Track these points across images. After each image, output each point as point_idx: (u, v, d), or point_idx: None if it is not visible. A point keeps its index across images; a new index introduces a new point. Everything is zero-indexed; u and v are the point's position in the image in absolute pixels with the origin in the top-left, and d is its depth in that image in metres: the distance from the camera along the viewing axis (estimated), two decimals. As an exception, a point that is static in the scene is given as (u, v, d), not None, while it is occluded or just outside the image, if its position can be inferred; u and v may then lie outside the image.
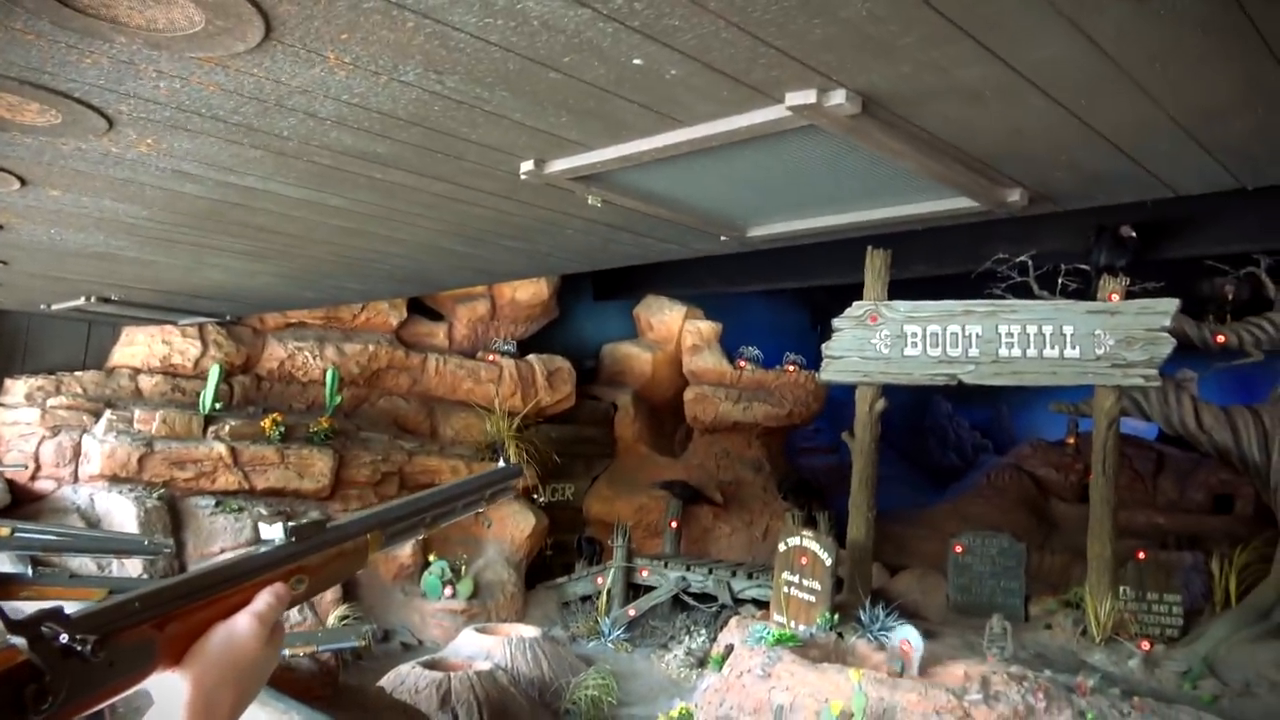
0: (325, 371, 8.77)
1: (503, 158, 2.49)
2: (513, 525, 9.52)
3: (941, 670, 6.23)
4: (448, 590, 8.49)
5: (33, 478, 7.29)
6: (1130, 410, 7.64)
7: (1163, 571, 7.73)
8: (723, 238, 3.23)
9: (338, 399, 8.73)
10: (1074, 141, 2.09)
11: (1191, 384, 8.06)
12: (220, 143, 2.44)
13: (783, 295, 12.16)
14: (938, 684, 6.03)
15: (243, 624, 0.77)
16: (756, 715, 6.30)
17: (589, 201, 2.79)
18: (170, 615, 0.73)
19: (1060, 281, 7.41)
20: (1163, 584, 7.47)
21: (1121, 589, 7.16)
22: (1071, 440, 11.06)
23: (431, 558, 8.68)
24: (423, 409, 9.64)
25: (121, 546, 4.30)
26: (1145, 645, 6.59)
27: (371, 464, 8.57)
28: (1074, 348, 7.09)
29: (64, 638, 0.65)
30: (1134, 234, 7.28)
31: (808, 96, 1.86)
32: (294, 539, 0.86)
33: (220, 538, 7.26)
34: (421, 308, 9.90)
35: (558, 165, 2.48)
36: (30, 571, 2.23)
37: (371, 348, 9.20)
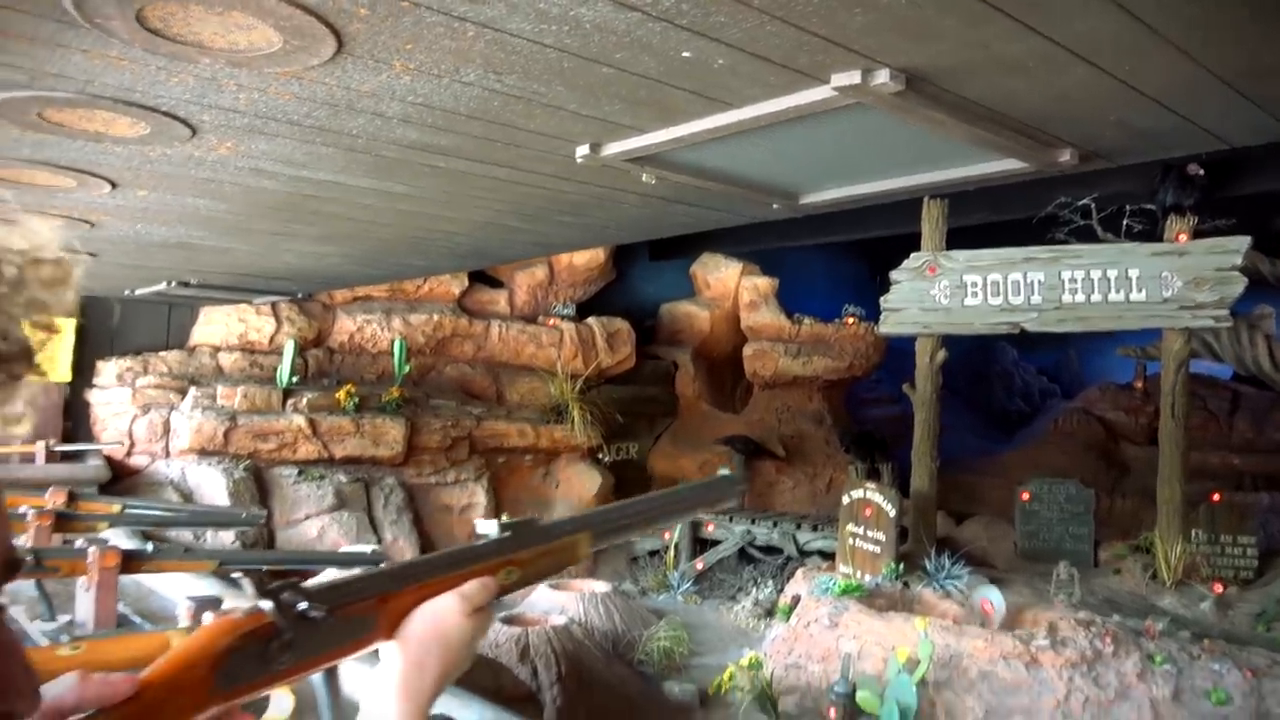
0: (393, 342, 9.05)
1: (559, 144, 2.59)
2: (579, 485, 9.76)
3: (1008, 616, 6.28)
4: (520, 549, 8.77)
5: (128, 454, 7.72)
6: (1200, 352, 7.49)
7: (1237, 513, 7.61)
8: (775, 205, 3.29)
9: (406, 368, 9.00)
10: (1121, 103, 2.11)
11: (1267, 322, 7.84)
12: (294, 143, 2.59)
13: (840, 247, 12.05)
14: (1004, 630, 6.09)
15: (448, 603, 0.86)
16: (824, 663, 6.45)
17: (643, 179, 2.87)
18: (389, 595, 0.83)
19: (1125, 223, 7.25)
20: (1237, 526, 7.36)
21: (1193, 532, 7.08)
22: (1140, 384, 10.86)
23: (504, 518, 8.94)
24: (488, 375, 9.89)
25: (221, 520, 4.59)
26: (1218, 588, 6.54)
27: (442, 430, 8.86)
28: (1140, 291, 6.94)
29: (301, 605, 0.76)
30: (1202, 171, 7.06)
31: (852, 78, 1.92)
32: (507, 535, 0.94)
33: (304, 505, 7.62)
34: (482, 276, 10.09)
35: (612, 148, 2.57)
36: (150, 547, 2.44)
37: (436, 317, 9.45)
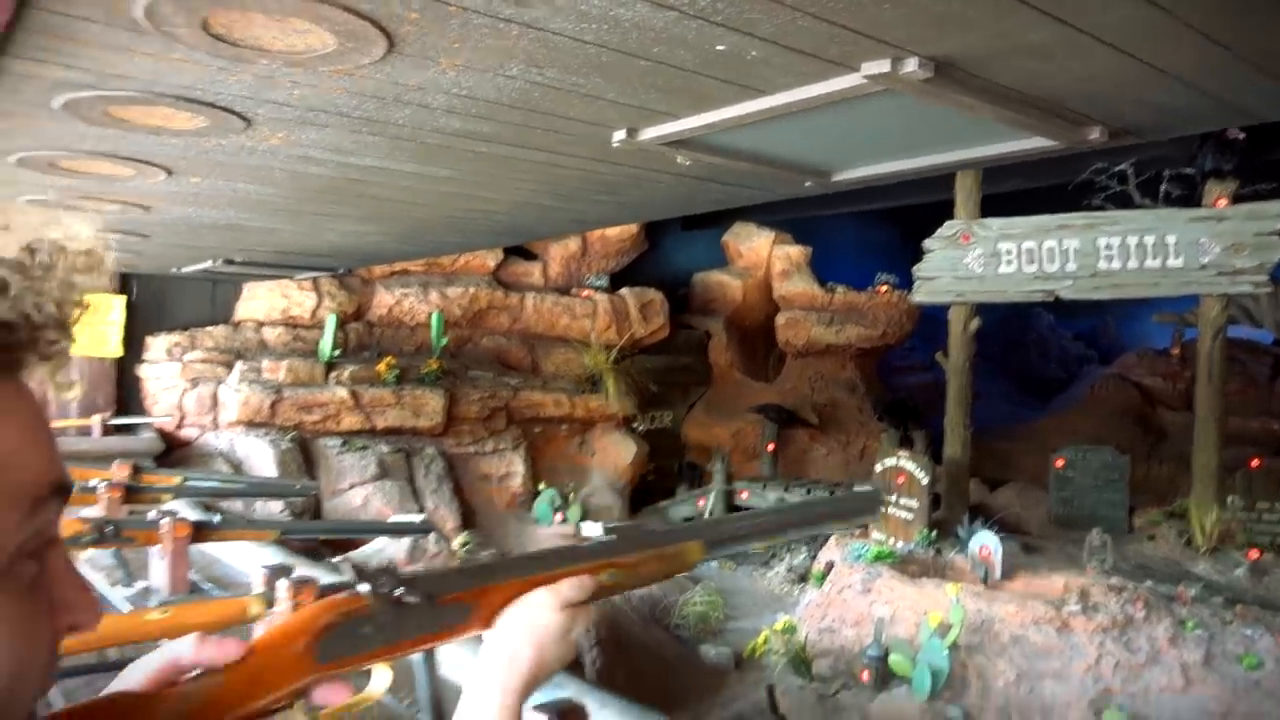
0: (430, 315, 9.22)
1: (596, 129, 2.67)
2: (615, 454, 9.92)
3: (1041, 583, 6.35)
4: (558, 516, 8.97)
5: (178, 426, 7.99)
6: (1239, 317, 7.44)
7: (1275, 479, 7.58)
8: (807, 184, 3.34)
9: (444, 340, 9.18)
10: (1148, 84, 2.14)
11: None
12: (343, 133, 2.69)
13: (872, 214, 12.00)
14: (1036, 596, 6.17)
15: (542, 598, 0.88)
16: (858, 628, 6.57)
17: (677, 161, 2.95)
18: (486, 589, 0.87)
19: (1163, 189, 7.18)
20: (1275, 492, 7.33)
21: (1230, 498, 7.08)
22: (1176, 350, 10.76)
23: (541, 486, 9.16)
24: (523, 346, 10.05)
25: (276, 490, 4.78)
26: (1253, 554, 6.55)
27: (480, 400, 9.05)
28: (1177, 257, 6.89)
29: (398, 591, 0.81)
30: (1242, 135, 6.96)
31: (882, 66, 1.98)
32: (611, 537, 0.98)
33: (349, 475, 7.85)
34: (517, 249, 10.22)
35: (648, 134, 2.65)
36: (217, 518, 2.60)
37: (472, 290, 9.60)
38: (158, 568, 2.53)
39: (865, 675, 6.00)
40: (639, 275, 11.04)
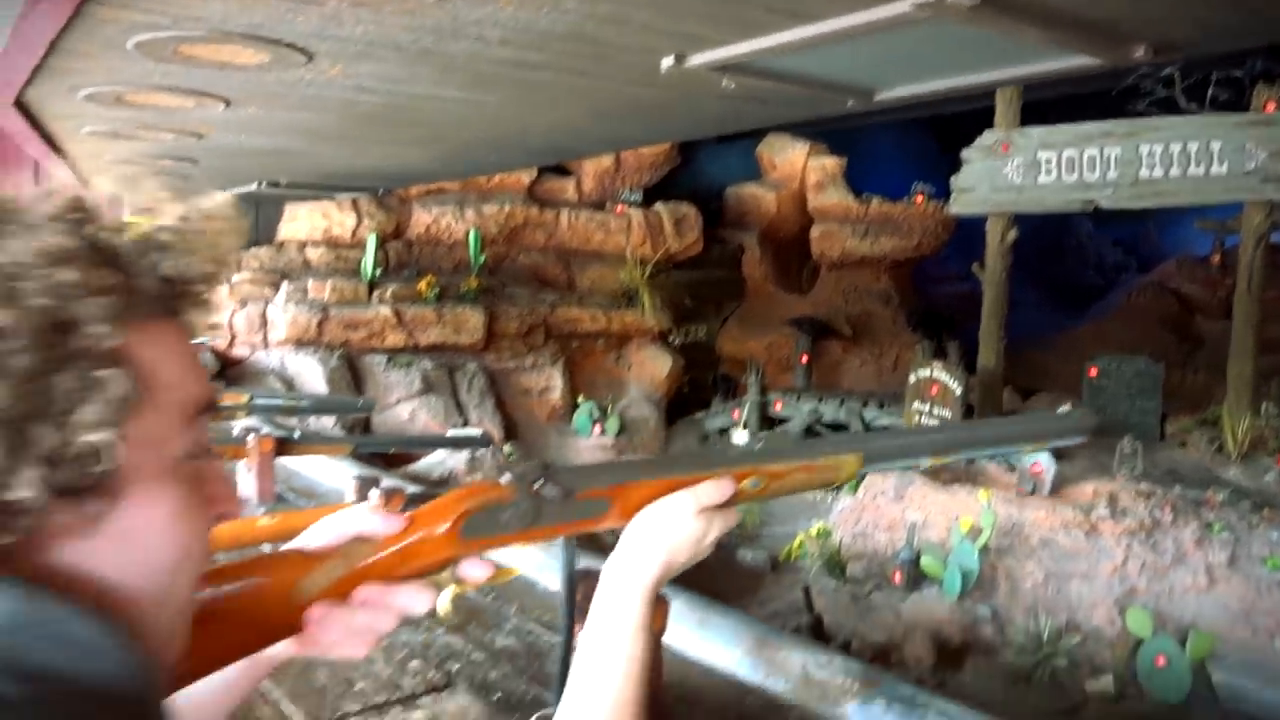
0: (468, 233, 9.34)
1: (646, 56, 2.73)
2: (652, 367, 10.11)
3: (1071, 489, 6.49)
4: (597, 429, 9.23)
5: (230, 345, 8.27)
6: (1283, 224, 7.33)
7: (1312, 387, 7.60)
8: (850, 103, 3.38)
9: (482, 258, 9.32)
10: (1195, 1, 2.17)
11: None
12: (398, 65, 2.78)
13: (909, 123, 11.78)
14: (1065, 501, 6.33)
15: (679, 497, 0.90)
16: (890, 532, 6.80)
17: (723, 84, 3.00)
18: (624, 486, 0.91)
19: (1210, 93, 7.02)
20: (1310, 400, 7.36)
21: (1264, 405, 7.11)
22: (1217, 258, 10.61)
23: (580, 400, 9.40)
24: (560, 262, 10.17)
25: (339, 407, 5.02)
26: (1283, 460, 6.63)
27: (519, 317, 9.24)
28: (1222, 164, 6.78)
29: (537, 484, 0.87)
30: (1296, 35, 6.74)
31: (930, -6, 2.03)
32: (759, 445, 1.10)
33: (395, 390, 8.12)
34: (551, 165, 10.22)
35: (696, 60, 2.70)
36: (296, 434, 2.79)
37: (508, 207, 9.68)
38: (245, 480, 2.74)
39: (897, 577, 6.24)
40: (672, 189, 11.01)
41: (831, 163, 11.20)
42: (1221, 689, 4.93)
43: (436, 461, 5.99)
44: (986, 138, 7.48)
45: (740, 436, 7.49)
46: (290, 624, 0.82)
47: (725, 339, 11.28)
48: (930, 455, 1.04)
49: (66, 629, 0.55)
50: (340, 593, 0.83)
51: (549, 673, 1.79)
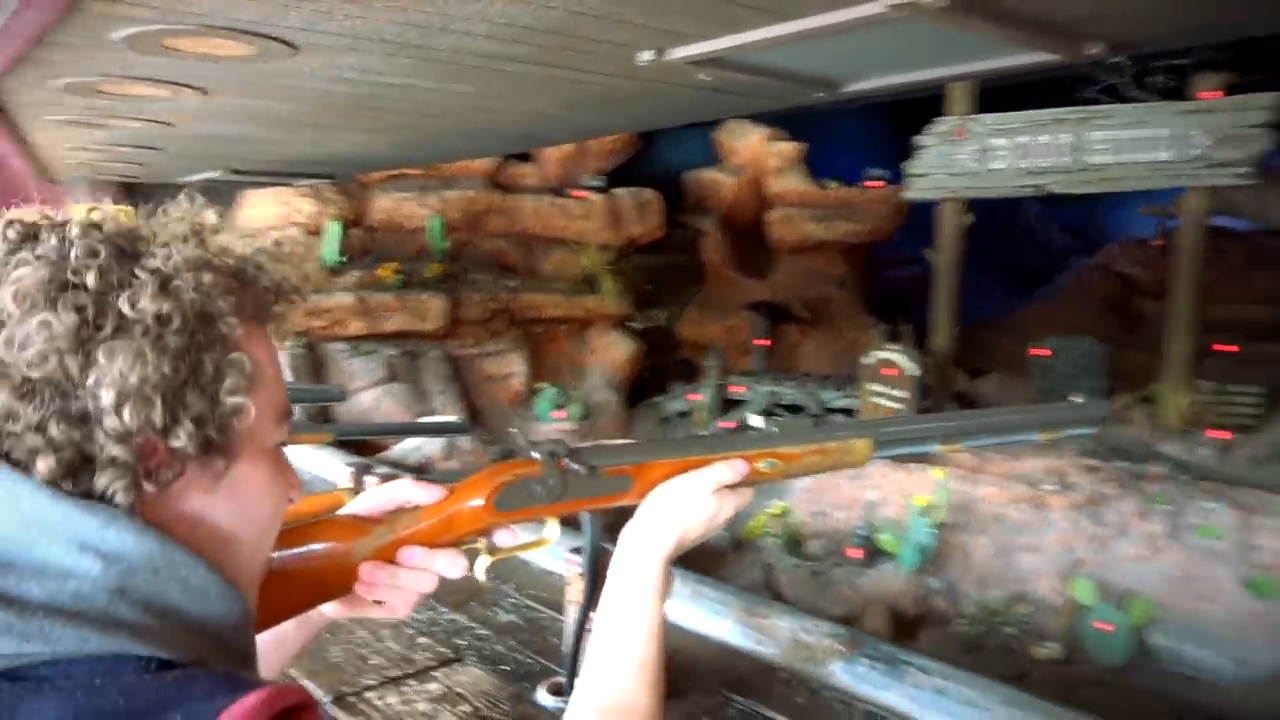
0: (429, 219, 9.31)
1: (625, 50, 2.80)
2: (612, 352, 10.20)
3: (1021, 465, 6.76)
4: (560, 413, 9.30)
5: (189, 334, 8.16)
6: (1223, 208, 7.64)
7: (1246, 364, 7.96)
8: (817, 94, 3.49)
9: (444, 244, 9.31)
10: (1153, 4, 2.31)
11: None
12: (380, 57, 2.82)
13: (864, 109, 11.97)
14: (1016, 477, 6.58)
15: (694, 476, 0.95)
16: (849, 510, 7.00)
17: (698, 77, 3.09)
18: (646, 464, 0.97)
19: (1161, 80, 7.26)
20: (1245, 375, 7.72)
21: (1202, 382, 7.44)
22: (1159, 241, 10.98)
23: (541, 385, 9.46)
24: (522, 248, 10.19)
25: (316, 395, 5.03)
26: (1220, 434, 6.96)
27: (481, 303, 9.25)
28: (1167, 150, 7.05)
29: (565, 460, 0.94)
30: (1234, 27, 7.01)
31: (904, -4, 2.13)
32: (774, 429, 1.15)
33: (359, 378, 8.10)
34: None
35: (674, 54, 2.78)
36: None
37: (470, 193, 9.66)
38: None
39: (855, 553, 6.44)
40: (632, 174, 11.08)
41: (790, 148, 11.36)
42: (1160, 651, 5.20)
43: (412, 448, 6.02)
44: (941, 124, 7.67)
45: (756, 420, 7.70)
46: (343, 583, 0.92)
47: (685, 323, 11.41)
48: (941, 441, 1.06)
49: (191, 575, 0.66)
50: (387, 556, 0.93)
51: (552, 644, 1.88)
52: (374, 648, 1.87)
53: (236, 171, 6.39)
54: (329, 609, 0.95)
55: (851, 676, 1.65)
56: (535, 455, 0.95)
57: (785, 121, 11.43)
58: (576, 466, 0.95)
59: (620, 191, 10.64)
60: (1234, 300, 11.15)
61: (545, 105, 3.83)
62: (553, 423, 9.35)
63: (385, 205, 9.27)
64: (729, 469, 0.96)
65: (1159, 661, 5.13)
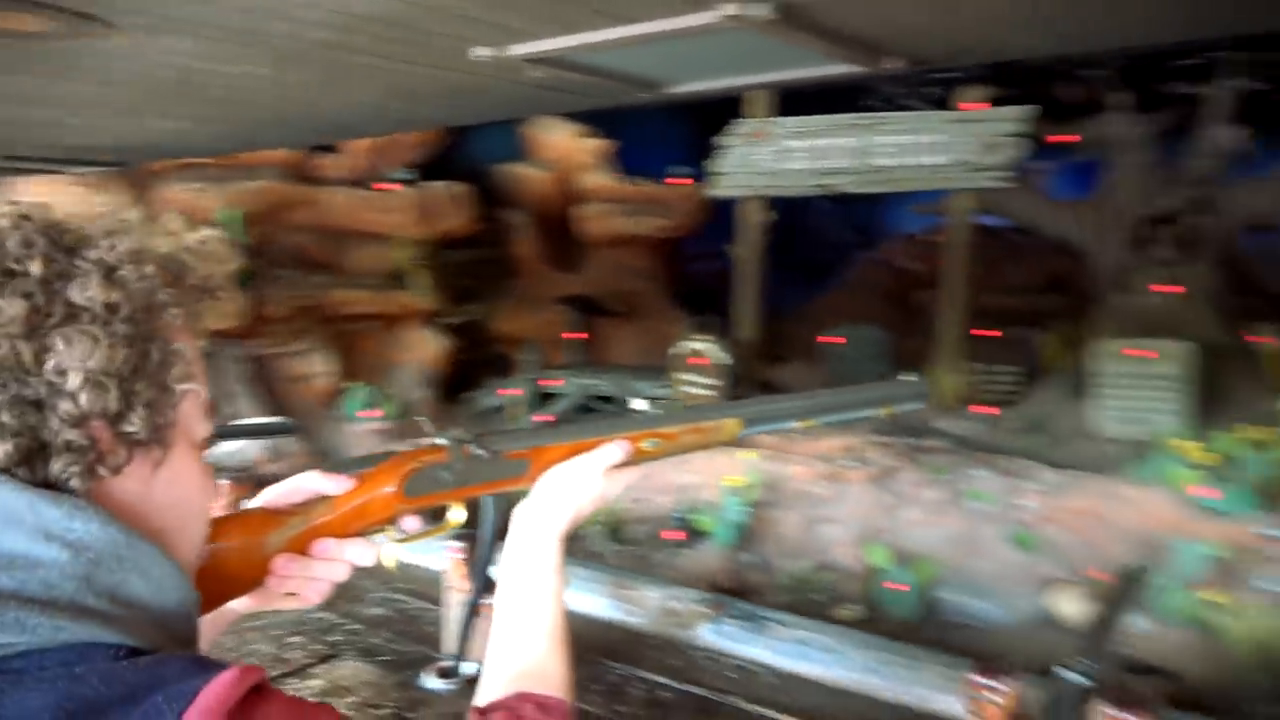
0: (222, 213, 8.75)
1: (461, 44, 2.84)
2: (426, 348, 10.02)
3: (822, 445, 7.30)
4: (371, 412, 9.04)
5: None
6: (985, 207, 8.57)
7: (1005, 346, 8.98)
8: (642, 95, 3.66)
9: (244, 238, 8.78)
10: (943, 29, 2.63)
11: (1037, 179, 9.01)
12: (212, 42, 2.70)
13: (669, 109, 12.35)
14: (818, 456, 7.11)
15: (585, 458, 1.02)
16: (667, 495, 7.28)
17: (532, 74, 3.17)
18: (542, 448, 1.02)
19: (933, 91, 8.04)
20: (1004, 357, 8.72)
21: (971, 364, 8.34)
22: (930, 236, 12.12)
23: (350, 384, 9.16)
24: (328, 242, 9.78)
25: (263, 430, 4.65)
26: (988, 410, 7.82)
27: (286, 300, 8.81)
28: (939, 154, 7.82)
29: (470, 446, 0.98)
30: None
31: (739, 7, 2.32)
32: (658, 412, 1.11)
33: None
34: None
35: (511, 51, 2.85)
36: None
37: (270, 184, 9.16)
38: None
39: (675, 535, 6.73)
40: (443, 167, 10.89)
41: (598, 145, 11.57)
42: (944, 605, 5.80)
43: (235, 450, 5.67)
44: (743, 125, 8.11)
45: (640, 405, 7.86)
46: (257, 577, 0.93)
47: (499, 318, 11.38)
48: (798, 419, 1.15)
49: (151, 565, 0.68)
50: (300, 547, 0.94)
51: (428, 632, 1.91)
52: (242, 651, 1.85)
53: (12, 157, 5.79)
54: (239, 604, 0.95)
55: (718, 636, 1.80)
56: (441, 442, 0.98)
57: (593, 118, 11.62)
58: (480, 451, 0.99)
59: (431, 184, 10.44)
60: (994, 291, 12.50)
61: (374, 96, 3.77)
62: (362, 423, 9.08)
63: (176, 197, 8.62)
64: (618, 449, 1.03)
65: (944, 614, 5.72)
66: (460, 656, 1.56)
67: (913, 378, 1.24)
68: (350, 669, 1.72)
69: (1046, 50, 2.95)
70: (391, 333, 10.13)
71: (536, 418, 9.93)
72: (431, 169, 10.75)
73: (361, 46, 2.86)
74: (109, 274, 0.69)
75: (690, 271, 13.12)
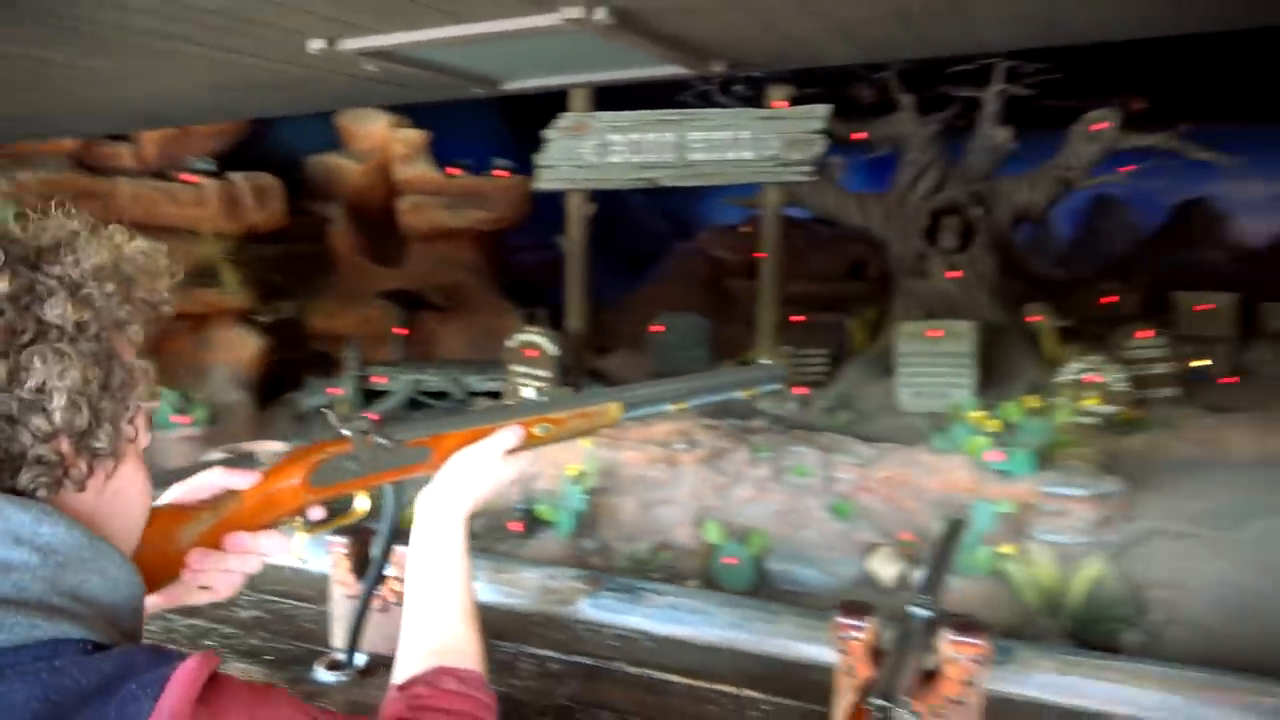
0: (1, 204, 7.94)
1: (297, 37, 2.78)
2: (238, 348, 9.50)
3: (655, 431, 7.55)
4: (182, 419, 8.49)
5: None
6: (793, 200, 9.10)
7: (815, 331, 9.59)
8: (475, 90, 3.69)
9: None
10: (760, 37, 2.85)
11: (836, 173, 9.66)
12: (25, 26, 2.51)
13: (488, 101, 12.26)
14: (651, 441, 7.36)
15: (484, 442, 1.06)
16: (510, 487, 7.32)
17: (365, 67, 3.14)
18: (443, 435, 1.06)
19: (742, 88, 8.44)
20: (815, 340, 9.32)
21: (784, 347, 8.85)
22: (744, 227, 12.74)
23: (158, 388, 8.54)
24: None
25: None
26: (800, 390, 8.34)
27: (75, 300, 8.09)
28: (750, 150, 8.24)
29: (374, 436, 1.01)
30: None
31: (579, 12, 2.42)
32: (545, 399, 1.22)
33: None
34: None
35: (346, 45, 2.82)
36: None
37: (51, 175, 8.37)
38: None
39: (517, 526, 6.78)
40: (247, 158, 10.30)
41: (415, 135, 11.33)
42: (775, 575, 6.19)
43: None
44: (565, 120, 8.22)
45: (529, 392, 7.71)
46: (171, 572, 0.94)
47: (316, 315, 10.93)
48: (672, 402, 1.22)
49: (110, 566, 0.73)
50: (212, 542, 0.96)
51: (307, 629, 1.90)
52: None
53: None
54: (152, 600, 0.95)
55: (598, 609, 1.90)
56: (346, 433, 1.01)
57: (408, 109, 11.37)
58: (383, 441, 1.02)
59: (236, 176, 9.84)
60: (800, 278, 13.28)
61: (199, 86, 3.59)
62: (174, 429, 8.51)
63: (-64, 188, 7.76)
64: (512, 435, 1.08)
65: (775, 583, 6.10)
66: (354, 645, 1.58)
67: (769, 361, 1.40)
68: (236, 670, 1.69)
69: (857, 59, 3.24)
70: (201, 333, 9.53)
71: (365, 415, 9.65)
72: (235, 159, 10.15)
73: (191, 36, 2.75)
74: (75, 291, 0.70)
75: (516, 263, 13.11)
